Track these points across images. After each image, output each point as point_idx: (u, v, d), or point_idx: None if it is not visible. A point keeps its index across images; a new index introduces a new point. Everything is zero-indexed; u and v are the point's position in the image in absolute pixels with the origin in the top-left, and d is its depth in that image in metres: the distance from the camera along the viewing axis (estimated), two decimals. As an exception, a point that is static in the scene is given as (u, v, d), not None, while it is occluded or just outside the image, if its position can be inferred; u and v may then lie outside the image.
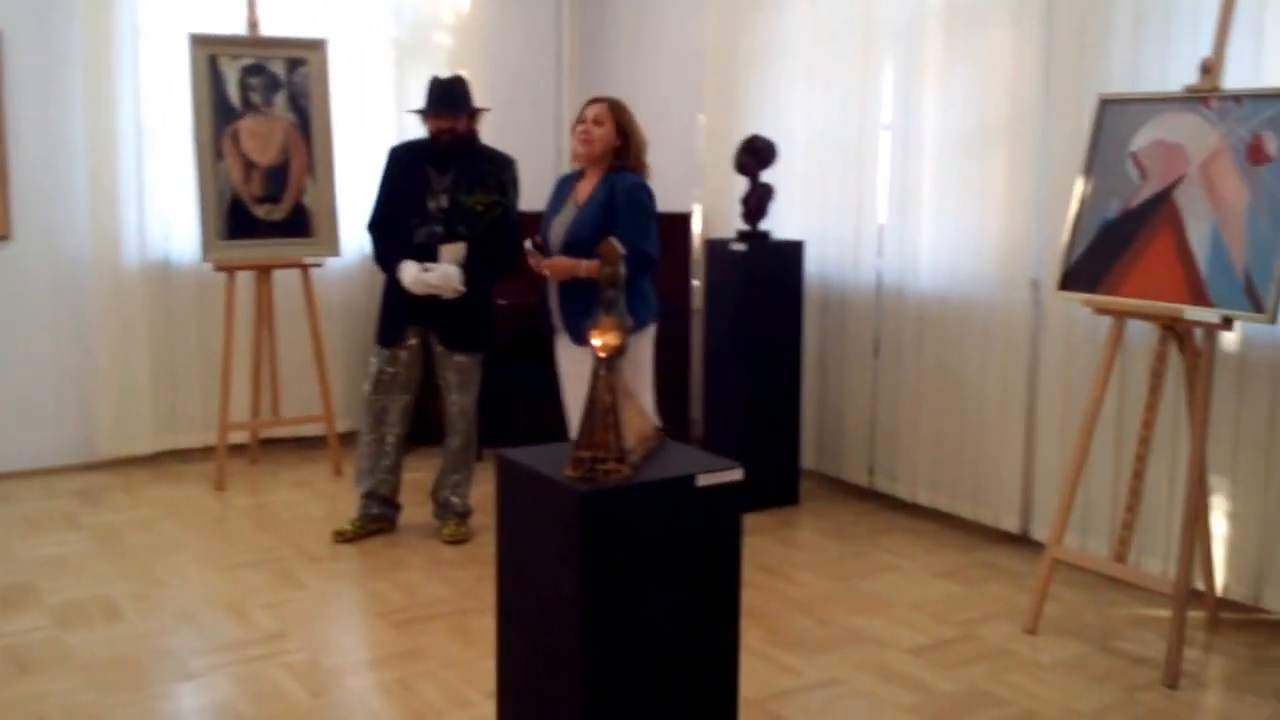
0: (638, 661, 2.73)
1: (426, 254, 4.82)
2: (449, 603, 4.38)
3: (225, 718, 3.45)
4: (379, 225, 4.99)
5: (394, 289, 4.90)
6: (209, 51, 5.74)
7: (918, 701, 3.61)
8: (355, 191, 6.17)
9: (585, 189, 4.51)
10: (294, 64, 5.92)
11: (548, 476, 2.71)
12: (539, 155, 7.41)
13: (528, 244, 4.44)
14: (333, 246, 6.05)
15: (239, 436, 6.27)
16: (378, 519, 5.13)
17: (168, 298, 6.25)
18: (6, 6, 5.75)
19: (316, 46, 5.98)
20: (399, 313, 4.92)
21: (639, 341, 4.47)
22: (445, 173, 4.87)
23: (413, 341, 4.97)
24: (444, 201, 4.84)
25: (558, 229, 4.51)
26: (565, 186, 4.65)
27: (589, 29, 7.36)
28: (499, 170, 4.94)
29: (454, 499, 5.11)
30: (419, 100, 4.96)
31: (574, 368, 4.53)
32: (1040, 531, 4.92)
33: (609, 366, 2.68)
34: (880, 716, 3.52)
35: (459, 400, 5.01)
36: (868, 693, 3.68)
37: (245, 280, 6.08)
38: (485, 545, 4.94)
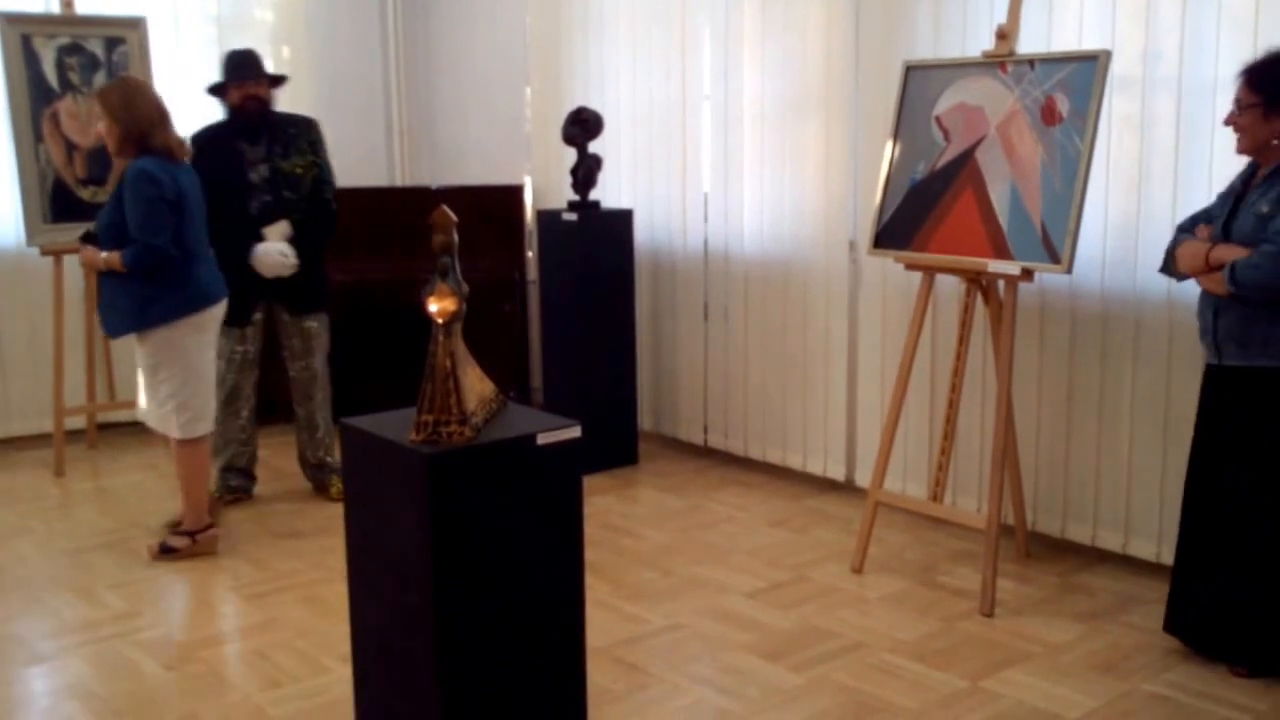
0: (487, 617, 2.84)
1: (260, 224, 4.91)
2: (300, 574, 4.43)
3: (79, 697, 3.46)
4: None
5: (238, 269, 4.84)
6: (22, 30, 5.59)
7: (755, 639, 3.83)
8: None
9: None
10: (112, 43, 5.80)
11: (393, 442, 2.80)
12: (368, 128, 7.39)
13: (80, 235, 4.62)
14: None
15: (75, 421, 6.15)
16: (235, 490, 5.23)
17: (-8, 283, 6.10)
18: None
19: (135, 24, 5.87)
20: (245, 291, 4.93)
21: (156, 342, 4.42)
22: (257, 143, 4.96)
23: (258, 316, 5.04)
24: (264, 171, 4.94)
25: None
26: None
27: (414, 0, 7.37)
28: (306, 132, 5.08)
29: (328, 459, 5.24)
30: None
31: None
32: (864, 478, 5.19)
33: (447, 332, 2.78)
34: (721, 654, 3.72)
35: (311, 364, 5.11)
36: (708, 634, 3.88)
37: (72, 263, 5.94)
38: (333, 517, 4.97)
